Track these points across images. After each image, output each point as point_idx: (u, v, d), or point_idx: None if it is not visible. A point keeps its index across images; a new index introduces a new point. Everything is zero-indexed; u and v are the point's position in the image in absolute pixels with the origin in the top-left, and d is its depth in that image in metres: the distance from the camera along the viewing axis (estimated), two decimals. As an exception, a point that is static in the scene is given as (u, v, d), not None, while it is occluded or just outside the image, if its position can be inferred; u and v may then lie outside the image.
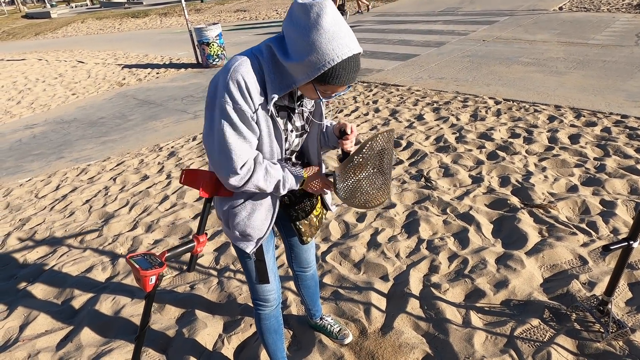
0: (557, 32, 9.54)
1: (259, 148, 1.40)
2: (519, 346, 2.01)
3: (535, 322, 2.14)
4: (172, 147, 5.53)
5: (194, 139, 5.73)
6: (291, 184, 1.44)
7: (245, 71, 1.26)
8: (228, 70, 1.28)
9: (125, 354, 2.27)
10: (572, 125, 4.73)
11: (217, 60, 10.37)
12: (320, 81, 1.25)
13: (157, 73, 10.46)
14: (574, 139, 4.38)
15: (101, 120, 7.18)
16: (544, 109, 5.29)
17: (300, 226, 1.63)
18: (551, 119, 4.97)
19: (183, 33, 16.13)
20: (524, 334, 2.08)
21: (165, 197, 4.07)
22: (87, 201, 4.24)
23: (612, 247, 1.75)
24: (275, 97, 1.29)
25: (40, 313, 2.66)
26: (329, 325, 2.20)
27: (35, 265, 3.23)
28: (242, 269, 2.82)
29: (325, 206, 1.77)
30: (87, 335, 2.44)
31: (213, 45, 10.20)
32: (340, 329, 2.18)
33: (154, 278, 1.45)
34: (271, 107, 1.31)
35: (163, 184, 4.39)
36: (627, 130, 4.43)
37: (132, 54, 13.53)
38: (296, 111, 1.46)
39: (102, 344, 2.37)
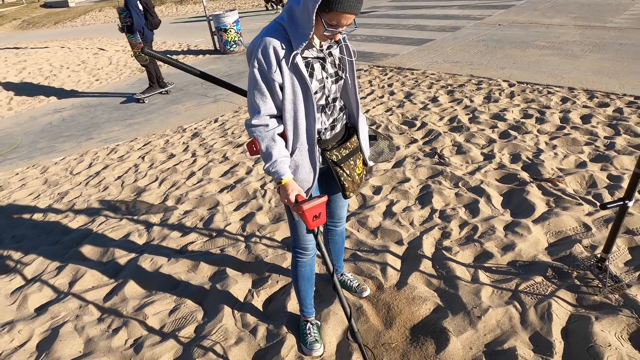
0: (574, 16, 9.48)
1: (284, 100, 1.60)
2: (522, 298, 2.21)
3: (539, 279, 2.33)
4: (195, 128, 5.78)
5: (216, 120, 5.97)
6: (273, 171, 1.62)
7: (268, 42, 1.53)
8: (255, 42, 1.57)
9: (166, 305, 2.54)
10: (585, 106, 4.82)
11: (234, 46, 10.55)
12: (324, 8, 1.42)
13: (176, 59, 10.69)
14: (586, 119, 4.49)
15: (125, 104, 7.47)
16: (557, 91, 5.38)
17: (345, 182, 1.82)
18: (564, 100, 5.07)
19: (199, 20, 16.34)
20: (528, 289, 2.27)
21: (192, 173, 4.33)
22: (119, 177, 4.53)
23: (608, 206, 1.92)
24: (298, 51, 1.52)
25: (87, 271, 2.94)
26: (349, 281, 2.42)
27: (77, 232, 3.52)
28: (269, 234, 3.07)
29: (365, 164, 1.97)
30: (131, 289, 2.72)
31: (230, 31, 10.38)
32: (359, 284, 2.41)
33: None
34: (298, 60, 1.53)
35: (189, 161, 4.64)
36: (639, 110, 4.51)
37: (151, 41, 13.78)
38: (327, 60, 1.66)
39: (144, 296, 2.65)
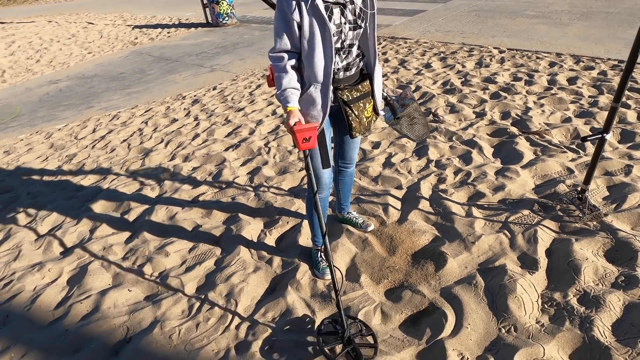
0: (563, -13, 9.63)
1: (302, 39, 1.76)
2: (511, 228, 2.46)
3: (526, 212, 2.57)
4: (194, 95, 5.90)
5: (214, 88, 6.08)
6: (282, 99, 1.81)
7: None
8: None
9: (185, 244, 2.74)
10: (571, 70, 5.05)
11: (227, 19, 10.52)
12: None
13: (168, 32, 10.65)
14: (572, 80, 4.72)
15: (121, 75, 7.51)
16: (545, 56, 5.59)
17: (352, 122, 1.97)
18: (552, 64, 5.29)
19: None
20: (516, 220, 2.52)
21: (197, 135, 4.48)
22: (125, 140, 4.66)
23: (588, 138, 2.15)
24: None
25: (106, 220, 3.13)
26: (355, 218, 2.64)
27: (90, 188, 3.69)
28: (276, 184, 3.27)
29: (375, 111, 2.09)
30: (150, 233, 2.91)
31: (222, 3, 10.33)
32: (363, 221, 2.63)
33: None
34: (318, 2, 1.68)
35: (192, 125, 4.79)
36: (622, 72, 4.75)
37: (140, 15, 13.63)
38: (348, 7, 1.80)
39: (164, 238, 2.85)
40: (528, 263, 2.19)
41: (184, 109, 5.40)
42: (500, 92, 4.59)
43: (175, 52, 8.62)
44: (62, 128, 5.37)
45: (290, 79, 1.81)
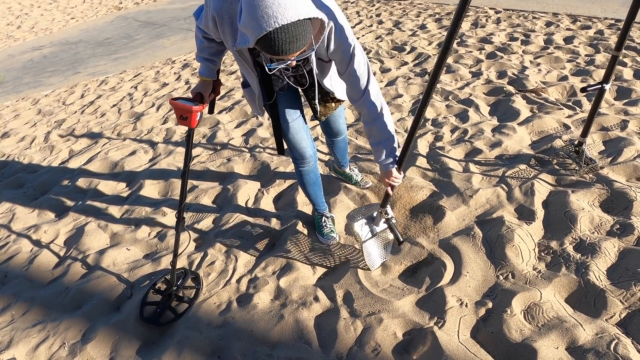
0: (560, -54, 9.37)
1: None
2: (508, 181, 2.47)
3: (523, 166, 2.58)
4: (184, 60, 5.74)
5: (205, 52, 5.93)
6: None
7: (220, 13, 1.42)
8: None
9: (182, 204, 2.72)
10: (568, 29, 4.97)
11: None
12: (260, 47, 1.20)
13: (154, -3, 10.27)
14: (569, 40, 4.66)
15: (107, 40, 7.27)
16: (542, 16, 5.49)
17: (316, 106, 1.88)
18: (548, 24, 5.20)
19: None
20: (513, 174, 2.53)
21: (188, 99, 4.39)
22: (115, 105, 4.56)
23: (588, 89, 2.13)
24: (234, 48, 1.45)
25: (100, 182, 3.09)
26: (355, 175, 2.63)
27: (82, 152, 3.62)
28: (270, 146, 3.24)
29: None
30: (146, 194, 2.89)
31: (210, -35, 9.95)
32: (362, 178, 2.62)
33: (199, 114, 1.71)
34: (244, 51, 1.53)
35: (183, 88, 4.68)
36: (619, 31, 4.69)
37: (124, -20, 13.09)
38: (282, 69, 1.66)
39: (160, 198, 2.83)
40: (525, 214, 2.22)
41: (174, 73, 5.27)
42: (496, 52, 4.52)
43: (162, 16, 8.34)
44: (49, 94, 5.22)
45: (203, 48, 1.73)
